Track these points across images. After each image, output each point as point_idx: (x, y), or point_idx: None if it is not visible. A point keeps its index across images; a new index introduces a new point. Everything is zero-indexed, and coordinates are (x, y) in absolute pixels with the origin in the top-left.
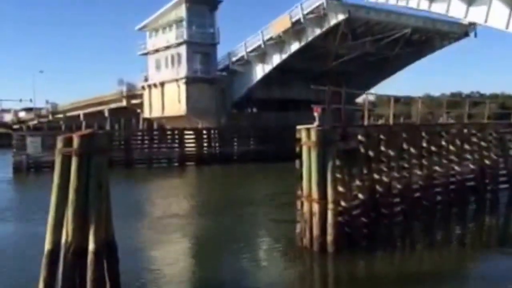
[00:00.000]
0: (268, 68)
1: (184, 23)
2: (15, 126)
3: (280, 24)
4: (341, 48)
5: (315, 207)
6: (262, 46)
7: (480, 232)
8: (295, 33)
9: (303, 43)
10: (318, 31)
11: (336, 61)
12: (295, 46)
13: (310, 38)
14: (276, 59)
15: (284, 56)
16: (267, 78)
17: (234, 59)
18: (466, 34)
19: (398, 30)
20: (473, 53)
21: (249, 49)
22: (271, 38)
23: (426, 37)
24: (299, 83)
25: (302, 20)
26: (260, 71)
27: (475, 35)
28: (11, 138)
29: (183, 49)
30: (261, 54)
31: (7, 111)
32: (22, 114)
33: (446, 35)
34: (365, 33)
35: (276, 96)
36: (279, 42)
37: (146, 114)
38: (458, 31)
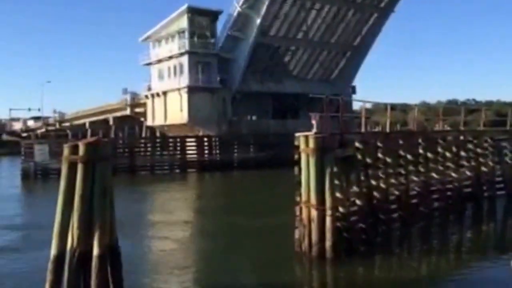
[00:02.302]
0: (251, 39)
1: (186, 33)
2: (24, 135)
3: None
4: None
5: (314, 213)
6: (240, 10)
7: (477, 238)
8: None
9: None
10: None
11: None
12: None
13: None
14: (256, 22)
15: (262, 15)
16: (258, 65)
17: (220, 44)
18: None
19: None
20: None
21: (229, 24)
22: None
23: None
24: (291, 78)
25: None
26: (246, 45)
27: None
28: (20, 146)
29: (185, 59)
30: (241, 26)
31: (17, 120)
32: (30, 123)
33: None
34: None
35: (271, 90)
36: (252, 3)
37: (149, 122)
38: None
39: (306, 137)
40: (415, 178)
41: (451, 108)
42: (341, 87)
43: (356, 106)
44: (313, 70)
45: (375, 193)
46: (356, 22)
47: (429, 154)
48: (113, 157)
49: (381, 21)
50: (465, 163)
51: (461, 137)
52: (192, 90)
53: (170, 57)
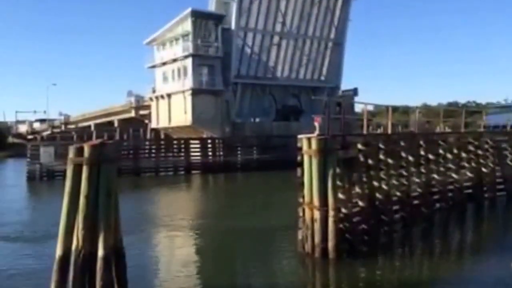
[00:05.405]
0: (233, 25)
1: (190, 36)
2: (30, 137)
3: None
4: None
5: (316, 214)
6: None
7: (478, 239)
8: None
9: None
10: None
11: None
12: None
13: None
14: (234, 7)
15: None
16: (250, 60)
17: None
18: None
19: None
20: None
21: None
22: None
23: None
24: (283, 72)
25: None
26: (232, 34)
27: None
28: (26, 148)
29: (189, 62)
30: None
31: (23, 122)
32: (36, 125)
33: None
34: None
35: (266, 82)
36: None
37: (154, 124)
38: None
39: (309, 139)
40: (416, 180)
41: (452, 110)
42: (333, 80)
43: (358, 108)
44: (303, 63)
45: (377, 194)
46: (325, 9)
47: (430, 156)
48: (117, 159)
49: (346, 8)
50: (466, 164)
51: (462, 139)
52: (196, 92)
53: (175, 60)
